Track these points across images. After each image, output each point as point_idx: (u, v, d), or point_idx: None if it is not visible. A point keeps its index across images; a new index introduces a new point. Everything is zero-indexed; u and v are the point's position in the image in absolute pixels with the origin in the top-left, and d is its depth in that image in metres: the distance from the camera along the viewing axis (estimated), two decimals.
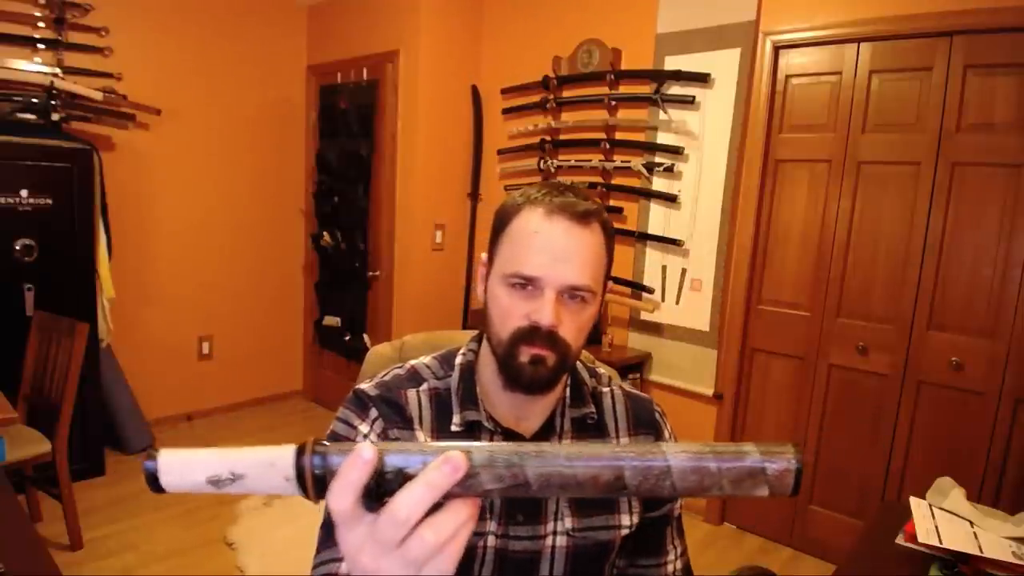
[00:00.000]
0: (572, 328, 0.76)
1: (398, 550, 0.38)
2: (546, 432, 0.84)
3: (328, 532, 0.78)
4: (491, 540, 0.80)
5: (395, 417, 0.82)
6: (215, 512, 2.77)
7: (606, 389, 0.92)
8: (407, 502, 0.38)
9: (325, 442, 0.41)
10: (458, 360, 0.87)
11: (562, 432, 0.85)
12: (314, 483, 0.40)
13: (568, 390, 0.86)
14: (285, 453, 0.40)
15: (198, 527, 2.66)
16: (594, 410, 0.87)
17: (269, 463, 0.40)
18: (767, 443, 0.39)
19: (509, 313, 0.76)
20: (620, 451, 0.40)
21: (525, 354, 0.75)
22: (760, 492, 0.39)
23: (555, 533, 0.82)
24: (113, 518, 2.67)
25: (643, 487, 0.39)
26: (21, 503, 1.54)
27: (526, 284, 0.76)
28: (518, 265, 0.76)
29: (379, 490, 0.40)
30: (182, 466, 0.41)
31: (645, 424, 0.90)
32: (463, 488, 0.39)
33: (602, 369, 0.98)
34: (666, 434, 0.91)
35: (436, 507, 0.39)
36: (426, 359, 0.90)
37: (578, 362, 0.91)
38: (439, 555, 0.39)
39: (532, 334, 0.75)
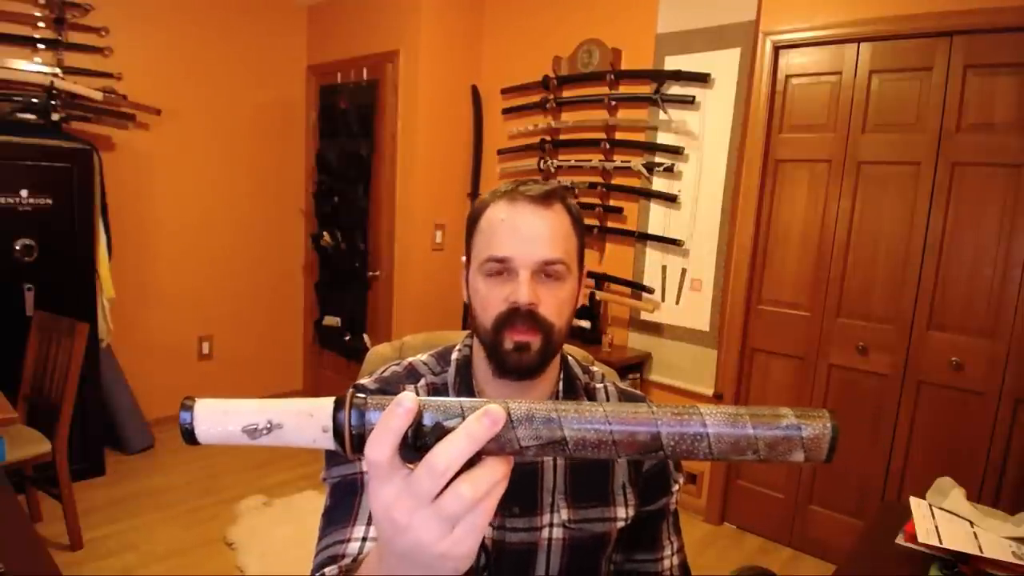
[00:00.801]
0: (552, 305, 0.77)
1: (433, 505, 0.38)
2: None
3: (331, 518, 0.77)
4: (488, 532, 0.80)
5: None
6: (215, 512, 2.77)
7: (600, 385, 0.93)
8: (446, 453, 0.38)
9: (362, 395, 0.41)
10: (454, 356, 0.89)
11: None
12: (351, 434, 0.40)
13: (561, 384, 0.87)
14: (324, 404, 0.41)
15: (198, 527, 2.66)
16: None
17: (307, 413, 0.41)
18: (803, 408, 0.39)
19: (488, 300, 0.78)
20: (657, 412, 0.39)
21: (509, 341, 0.77)
22: (795, 457, 0.38)
23: (551, 525, 0.82)
24: (113, 518, 2.67)
25: (679, 449, 0.39)
26: (21, 503, 1.54)
27: (501, 269, 0.77)
28: (489, 249, 0.78)
29: (416, 443, 0.39)
30: (218, 415, 0.41)
31: None
32: (499, 445, 0.39)
33: (596, 368, 0.99)
34: None
35: (469, 465, 0.39)
36: (423, 356, 0.91)
37: (571, 358, 0.92)
38: (473, 512, 0.38)
39: (513, 316, 0.76)
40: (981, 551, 1.19)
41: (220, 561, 2.44)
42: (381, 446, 0.38)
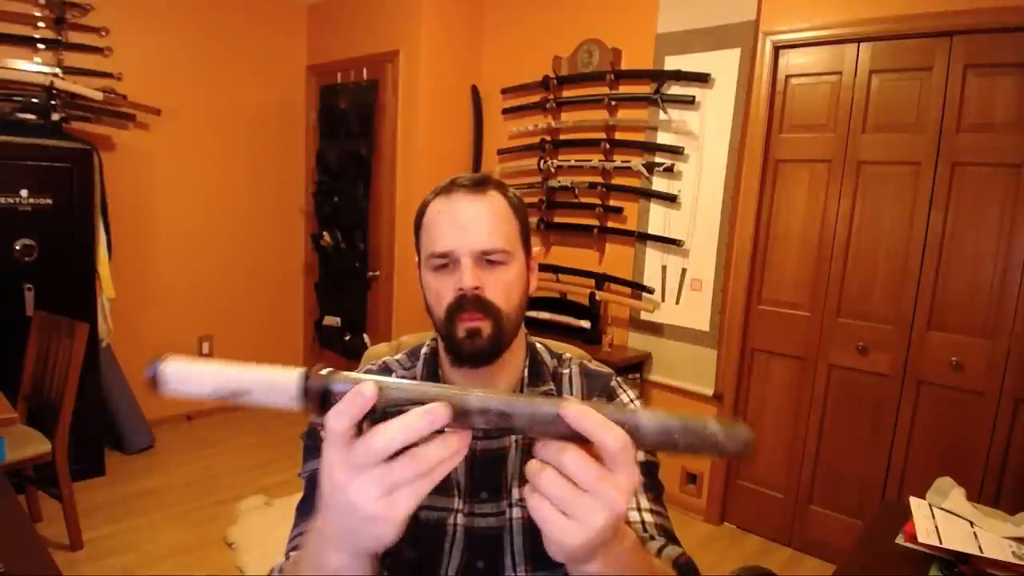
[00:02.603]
0: (498, 290, 0.79)
1: (378, 468, 0.42)
2: None
3: (302, 509, 0.81)
4: (459, 518, 0.82)
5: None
6: (215, 512, 2.77)
7: (566, 370, 0.94)
8: (383, 437, 0.42)
9: (325, 371, 0.46)
10: (423, 350, 0.93)
11: None
12: (320, 401, 0.45)
13: (527, 371, 0.89)
14: (290, 378, 0.45)
15: (198, 527, 2.66)
16: (553, 388, 0.90)
17: (272, 385, 0.45)
18: (728, 424, 0.43)
19: (439, 293, 0.80)
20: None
21: (461, 329, 0.78)
22: (713, 458, 0.44)
23: (511, 505, 0.84)
24: (113, 518, 2.67)
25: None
26: (21, 503, 1.54)
27: (445, 262, 0.80)
28: (432, 246, 0.80)
29: (374, 421, 0.44)
30: (188, 376, 0.45)
31: (599, 390, 0.92)
32: (455, 423, 0.43)
33: (569, 355, 0.99)
34: (624, 398, 0.92)
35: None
36: (397, 356, 0.96)
37: (539, 345, 0.94)
38: (417, 481, 0.43)
39: (461, 302, 0.78)
40: (981, 551, 1.19)
41: (220, 561, 2.44)
42: (337, 422, 0.43)
